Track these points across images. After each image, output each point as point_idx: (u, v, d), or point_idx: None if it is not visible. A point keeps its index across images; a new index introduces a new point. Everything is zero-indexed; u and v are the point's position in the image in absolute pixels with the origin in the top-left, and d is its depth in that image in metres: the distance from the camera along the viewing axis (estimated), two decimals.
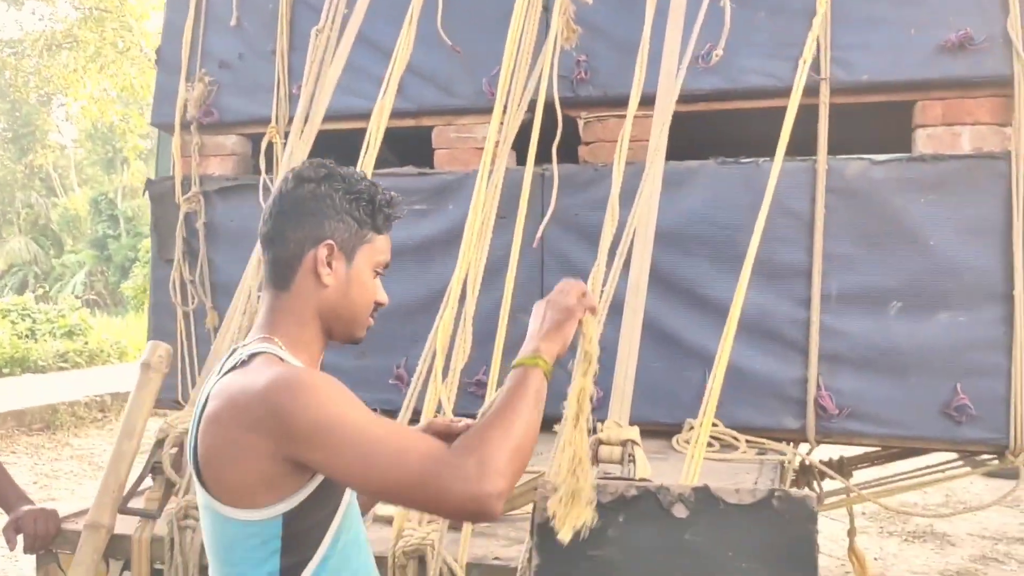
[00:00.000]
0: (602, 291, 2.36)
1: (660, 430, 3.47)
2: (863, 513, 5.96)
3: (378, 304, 1.56)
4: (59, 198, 29.33)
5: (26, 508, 2.32)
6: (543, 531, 1.58)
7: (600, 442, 2.11)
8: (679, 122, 3.60)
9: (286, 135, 3.78)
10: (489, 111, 3.43)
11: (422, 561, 2.05)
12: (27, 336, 12.73)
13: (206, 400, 1.41)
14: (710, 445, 3.24)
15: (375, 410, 3.23)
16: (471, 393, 3.54)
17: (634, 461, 2.08)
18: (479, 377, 3.59)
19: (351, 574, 1.46)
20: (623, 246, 2.54)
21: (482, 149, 3.61)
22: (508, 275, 2.92)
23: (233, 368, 1.41)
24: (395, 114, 3.79)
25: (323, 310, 1.49)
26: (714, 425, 3.33)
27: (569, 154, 3.65)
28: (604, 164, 3.44)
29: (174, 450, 2.33)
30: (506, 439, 1.30)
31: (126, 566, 2.30)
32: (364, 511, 1.64)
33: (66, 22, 14.60)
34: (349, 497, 1.48)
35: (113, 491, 2.28)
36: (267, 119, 3.78)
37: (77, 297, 22.07)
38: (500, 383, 3.57)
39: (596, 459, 2.12)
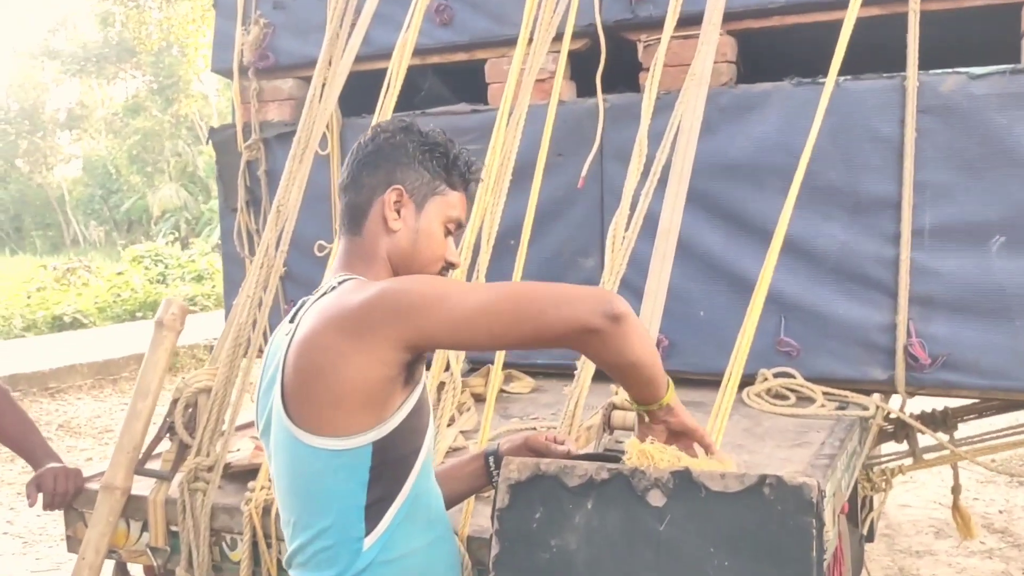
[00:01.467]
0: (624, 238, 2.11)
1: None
2: (993, 460, 5.46)
3: (449, 264, 1.56)
4: (204, 146, 30.68)
5: (50, 465, 2.33)
6: (506, 516, 1.41)
7: (614, 406, 1.91)
8: (748, 41, 3.27)
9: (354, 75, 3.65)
10: (545, 40, 3.18)
11: None
12: (158, 281, 13.37)
13: (293, 332, 1.38)
14: (784, 398, 2.97)
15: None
16: None
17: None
18: None
19: (429, 522, 1.45)
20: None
21: (539, 81, 3.37)
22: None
23: (322, 296, 1.40)
24: (447, 48, 3.61)
25: (391, 255, 1.50)
26: (791, 376, 3.05)
27: (630, 82, 3.37)
28: (667, 92, 3.14)
29: (189, 411, 2.28)
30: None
31: (145, 527, 2.28)
32: None
33: None
34: (430, 443, 1.47)
35: (128, 452, 2.25)
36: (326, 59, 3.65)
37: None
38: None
39: (609, 425, 1.92)
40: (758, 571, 1.28)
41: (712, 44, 2.34)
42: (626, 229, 2.17)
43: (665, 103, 3.15)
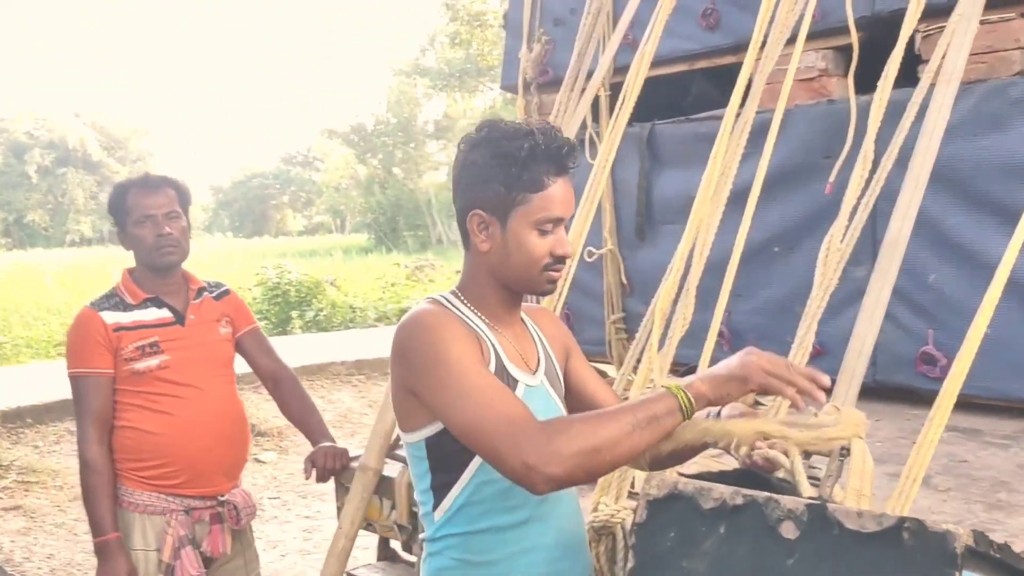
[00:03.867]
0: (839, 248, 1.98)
1: (1022, 408, 2.84)
2: None
3: (557, 257, 1.55)
4: None
5: (323, 444, 2.68)
6: (643, 532, 1.42)
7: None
8: None
9: (612, 87, 3.74)
10: (813, 37, 3.05)
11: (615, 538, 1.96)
12: None
13: None
14: None
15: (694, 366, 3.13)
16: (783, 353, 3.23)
17: (848, 454, 1.75)
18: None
19: (508, 508, 1.54)
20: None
21: (808, 80, 3.23)
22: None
23: None
24: (713, 52, 3.55)
25: (492, 271, 1.58)
26: None
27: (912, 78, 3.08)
28: None
29: None
30: (589, 438, 1.34)
31: (395, 505, 2.54)
32: None
33: None
34: None
35: (380, 437, 2.52)
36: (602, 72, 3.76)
37: None
38: (823, 343, 3.20)
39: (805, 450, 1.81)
40: None
41: (967, 35, 2.10)
42: (842, 240, 2.02)
43: None
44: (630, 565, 1.41)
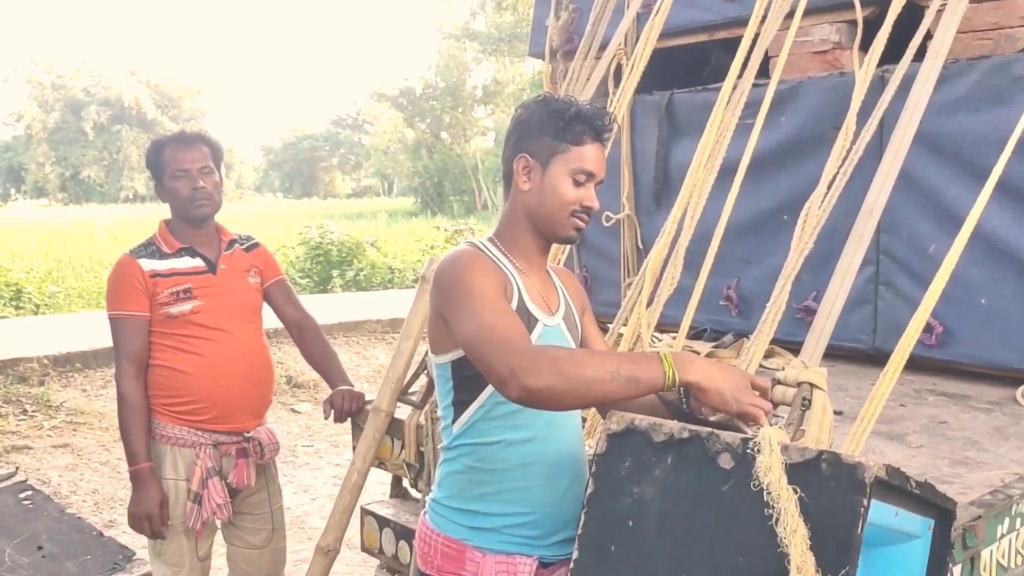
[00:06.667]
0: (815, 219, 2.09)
1: (1015, 377, 2.93)
2: None
3: (585, 207, 1.77)
4: None
5: (341, 387, 2.87)
6: (602, 462, 1.57)
7: (776, 382, 1.93)
8: None
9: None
10: (828, 9, 3.14)
11: None
12: None
13: None
14: None
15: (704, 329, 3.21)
16: (798, 319, 3.35)
17: (809, 406, 1.88)
18: (807, 303, 3.37)
19: (517, 426, 1.73)
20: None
21: (822, 52, 3.32)
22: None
23: None
24: (733, 23, 3.62)
25: (527, 212, 1.79)
26: None
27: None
28: (955, 60, 2.91)
29: None
30: (570, 369, 1.48)
31: (404, 445, 2.72)
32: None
33: None
34: None
35: (392, 382, 2.70)
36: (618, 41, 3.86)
37: None
38: (834, 308, 3.32)
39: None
40: None
41: (956, 14, 2.18)
42: (819, 207, 2.13)
43: (952, 73, 2.95)
44: (590, 490, 1.57)
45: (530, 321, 1.73)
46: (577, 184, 1.75)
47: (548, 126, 1.74)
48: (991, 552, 1.82)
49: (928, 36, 3.04)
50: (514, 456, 1.75)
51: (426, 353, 2.72)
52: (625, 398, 1.56)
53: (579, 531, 1.55)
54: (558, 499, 1.77)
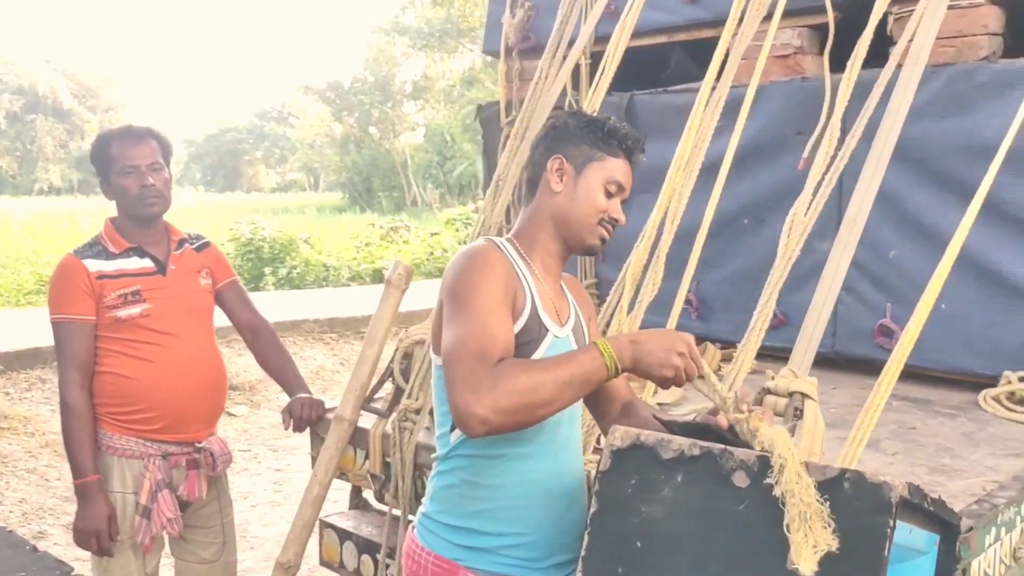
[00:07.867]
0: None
1: (975, 382, 2.98)
2: None
3: (613, 218, 1.76)
4: None
5: (300, 395, 2.76)
6: (606, 480, 1.51)
7: (767, 391, 1.91)
8: (1018, 11, 2.95)
9: (592, 56, 3.79)
10: (790, 14, 3.12)
11: None
12: (465, 242, 14.35)
13: None
14: None
15: None
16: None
17: (800, 416, 1.86)
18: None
19: (510, 440, 1.65)
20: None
21: (784, 57, 3.31)
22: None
23: None
24: (693, 25, 3.62)
25: (554, 215, 1.76)
26: None
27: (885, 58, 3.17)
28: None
29: (405, 359, 2.58)
30: (521, 383, 1.48)
31: (368, 455, 2.62)
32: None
33: None
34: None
35: (355, 390, 2.60)
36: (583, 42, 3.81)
37: None
38: (787, 314, 3.31)
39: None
40: (828, 564, 1.28)
41: (935, 19, 2.19)
42: (805, 213, 2.11)
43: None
44: (593, 509, 1.51)
45: (541, 331, 1.67)
46: (608, 195, 1.74)
47: (587, 134, 1.75)
48: (979, 563, 1.82)
49: (891, 41, 3.08)
50: (513, 471, 1.68)
51: (391, 359, 2.65)
52: (578, 398, 1.59)
53: (583, 552, 1.49)
54: (556, 520, 1.70)
